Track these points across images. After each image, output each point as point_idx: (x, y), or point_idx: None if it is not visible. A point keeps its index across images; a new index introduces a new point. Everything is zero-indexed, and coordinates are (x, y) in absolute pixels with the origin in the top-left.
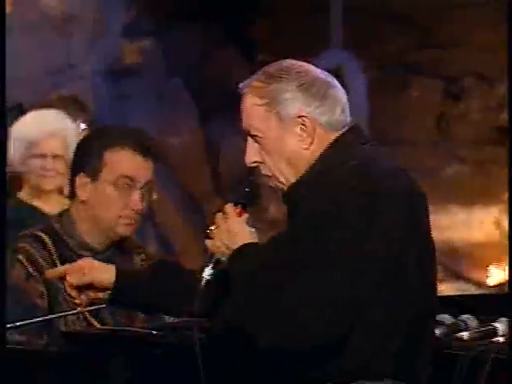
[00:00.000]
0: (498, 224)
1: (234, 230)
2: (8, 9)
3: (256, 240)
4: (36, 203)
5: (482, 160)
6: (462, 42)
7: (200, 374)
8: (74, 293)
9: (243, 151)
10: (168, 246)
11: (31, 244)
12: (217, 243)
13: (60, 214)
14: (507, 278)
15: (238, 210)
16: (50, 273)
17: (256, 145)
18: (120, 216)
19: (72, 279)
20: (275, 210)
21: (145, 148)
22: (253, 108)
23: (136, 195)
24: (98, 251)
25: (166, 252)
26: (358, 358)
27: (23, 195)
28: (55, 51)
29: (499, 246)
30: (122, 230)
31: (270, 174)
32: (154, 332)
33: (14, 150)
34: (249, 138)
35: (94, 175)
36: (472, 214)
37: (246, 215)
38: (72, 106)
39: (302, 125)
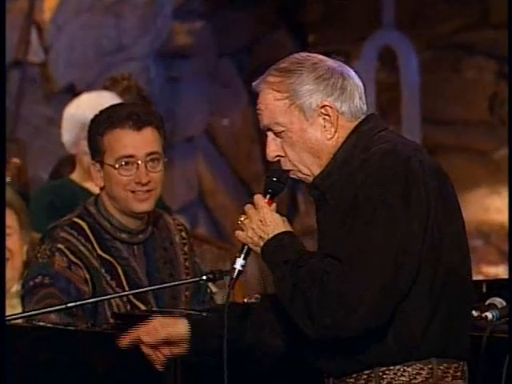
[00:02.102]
0: None
1: (266, 220)
2: None
3: (289, 228)
4: (87, 185)
5: None
6: None
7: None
8: (150, 352)
9: None
10: (218, 227)
11: (69, 232)
12: (249, 234)
13: (95, 198)
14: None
15: (267, 200)
16: (124, 341)
17: (277, 139)
18: (129, 191)
19: (148, 339)
20: None
21: (141, 121)
22: (274, 103)
23: (138, 170)
24: (134, 232)
25: (217, 234)
26: (403, 339)
27: (76, 176)
28: (107, 33)
29: None
30: (136, 206)
31: (292, 168)
32: (204, 314)
33: (66, 132)
34: (268, 134)
35: (101, 162)
36: None
37: (274, 205)
38: (131, 91)
39: (325, 115)
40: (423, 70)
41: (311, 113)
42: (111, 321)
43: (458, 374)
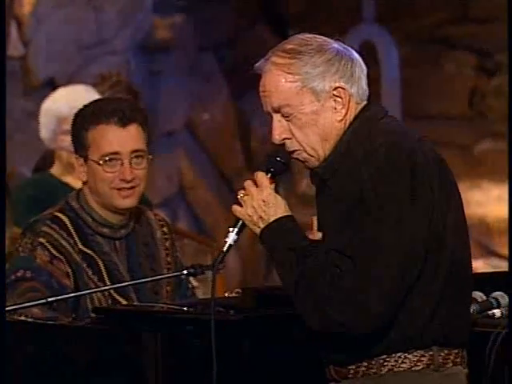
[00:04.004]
0: None
1: (269, 200)
2: None
3: (290, 212)
4: (67, 179)
5: None
6: (497, 17)
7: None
8: None
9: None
10: (199, 222)
11: (51, 226)
12: (248, 212)
13: (77, 193)
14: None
15: (269, 179)
16: None
17: (284, 122)
18: (113, 189)
19: None
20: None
21: (126, 118)
22: (285, 85)
23: (123, 166)
24: (116, 227)
25: (197, 228)
26: (406, 330)
27: (55, 171)
28: (87, 26)
29: None
30: (120, 202)
31: (298, 148)
32: (185, 308)
33: (43, 127)
34: (274, 116)
35: (85, 156)
36: (505, 190)
37: (273, 185)
38: (119, 86)
39: (337, 97)
40: (403, 65)
41: (323, 95)
42: (92, 315)
43: (458, 360)
